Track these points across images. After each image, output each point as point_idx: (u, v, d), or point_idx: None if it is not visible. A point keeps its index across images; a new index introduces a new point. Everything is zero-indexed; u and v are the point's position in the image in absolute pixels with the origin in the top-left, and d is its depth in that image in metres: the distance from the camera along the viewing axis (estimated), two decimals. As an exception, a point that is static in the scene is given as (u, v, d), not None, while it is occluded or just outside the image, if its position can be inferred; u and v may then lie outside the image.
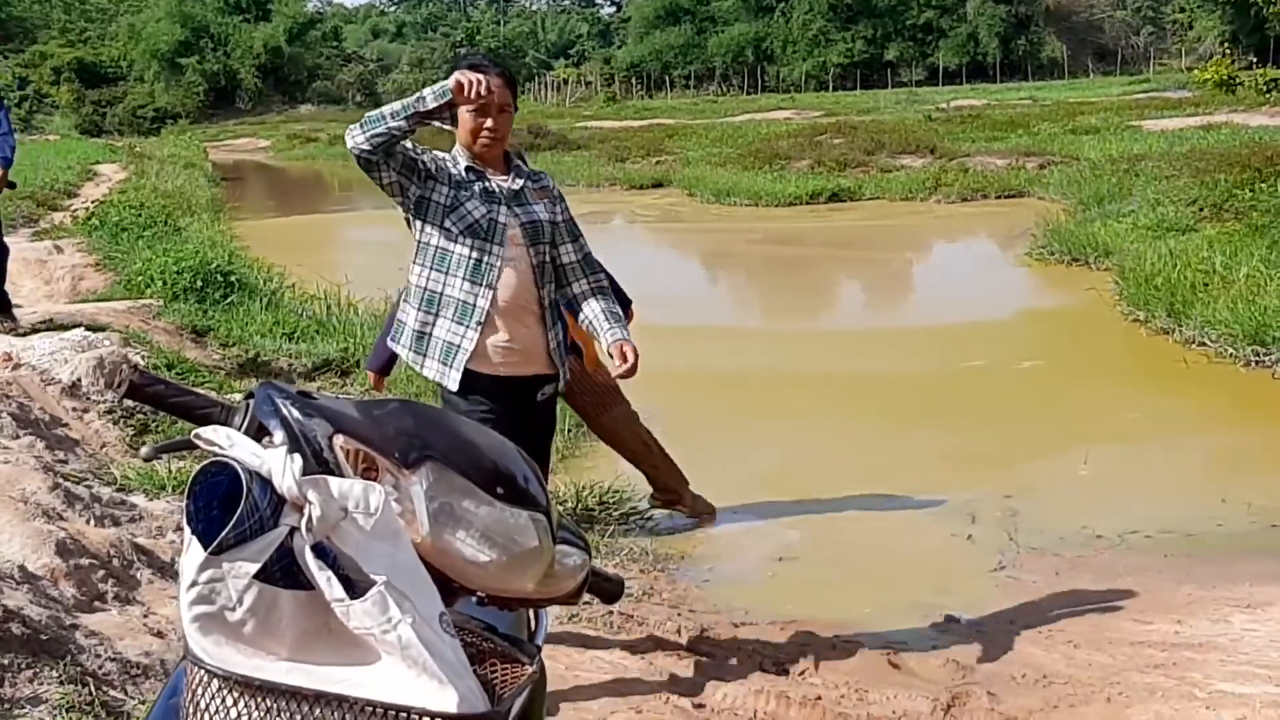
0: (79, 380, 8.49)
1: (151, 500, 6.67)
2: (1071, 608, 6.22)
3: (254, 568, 1.57)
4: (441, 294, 4.94)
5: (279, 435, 1.69)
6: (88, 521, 5.93)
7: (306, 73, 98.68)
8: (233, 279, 13.28)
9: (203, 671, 1.60)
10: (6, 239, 11.63)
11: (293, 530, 1.59)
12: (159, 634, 4.87)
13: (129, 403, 6.92)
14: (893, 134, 34.86)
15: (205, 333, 11.37)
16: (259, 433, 1.72)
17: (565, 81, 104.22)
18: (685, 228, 25.80)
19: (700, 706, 5.07)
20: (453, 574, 1.77)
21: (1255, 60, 58.65)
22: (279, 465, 1.61)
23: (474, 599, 1.85)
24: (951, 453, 9.13)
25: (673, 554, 7.20)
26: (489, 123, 4.92)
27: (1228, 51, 61.32)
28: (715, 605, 6.44)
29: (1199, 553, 7.03)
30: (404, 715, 1.58)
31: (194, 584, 1.57)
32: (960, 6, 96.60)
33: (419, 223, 5.00)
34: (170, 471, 6.95)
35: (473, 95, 4.65)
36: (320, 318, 12.62)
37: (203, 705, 1.60)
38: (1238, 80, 45.53)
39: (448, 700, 1.58)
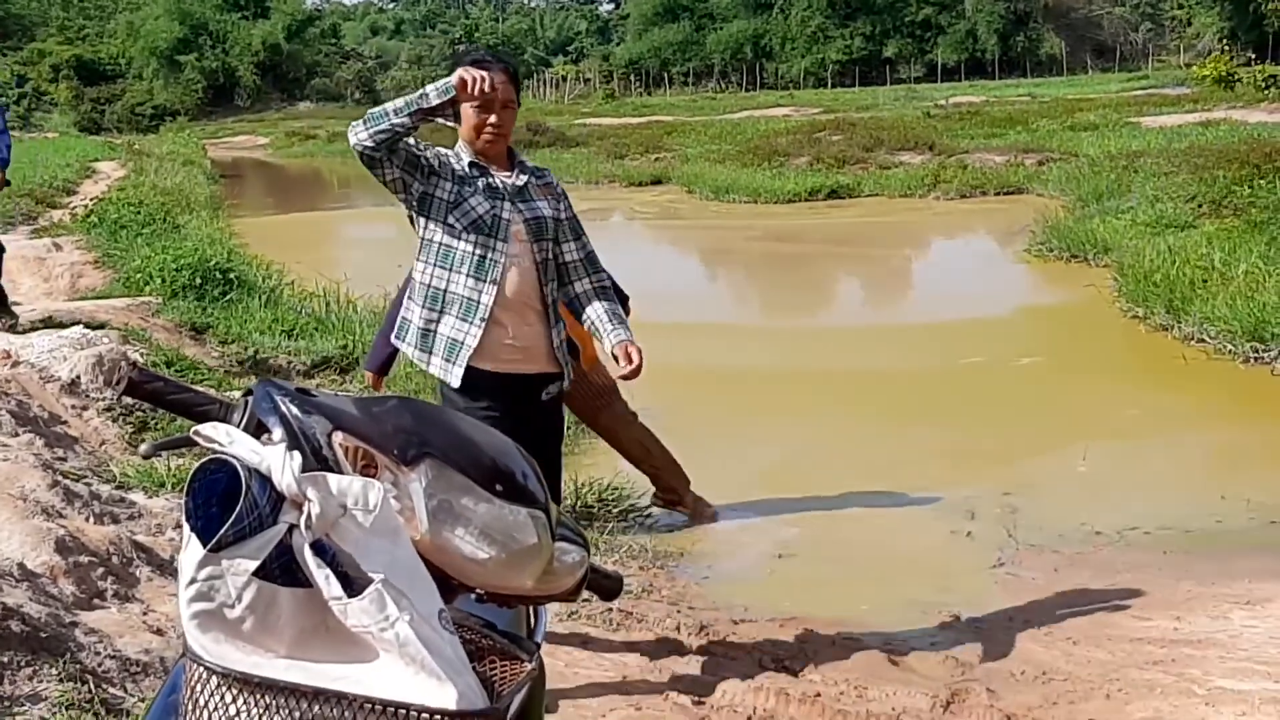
0: (78, 378, 8.49)
1: (151, 498, 6.67)
2: (1071, 604, 6.22)
3: (253, 565, 1.57)
4: (446, 291, 4.91)
5: (278, 432, 1.69)
6: (87, 519, 5.93)
7: (305, 70, 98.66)
8: (232, 276, 13.27)
9: (202, 668, 1.60)
10: (4, 237, 11.63)
11: (291, 527, 1.59)
12: (158, 631, 4.87)
13: (128, 400, 6.93)
14: (891, 131, 34.82)
15: (204, 330, 11.37)
16: (258, 430, 1.72)
17: (564, 79, 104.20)
18: (684, 225, 25.79)
19: (700, 703, 5.07)
20: (452, 571, 1.77)
21: (1254, 57, 58.49)
22: (278, 462, 1.61)
23: (473, 596, 1.85)
24: (950, 449, 9.13)
25: (672, 551, 7.21)
26: (492, 119, 4.89)
27: (1226, 48, 61.24)
28: (714, 602, 6.44)
29: (1198, 549, 7.03)
30: (403, 712, 1.58)
31: (193, 581, 1.57)
32: (959, 3, 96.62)
33: (422, 219, 4.97)
34: (169, 469, 6.94)
35: (476, 92, 4.62)
36: (319, 315, 12.61)
37: (202, 702, 1.60)
38: (1236, 77, 45.48)
39: (446, 697, 1.58)
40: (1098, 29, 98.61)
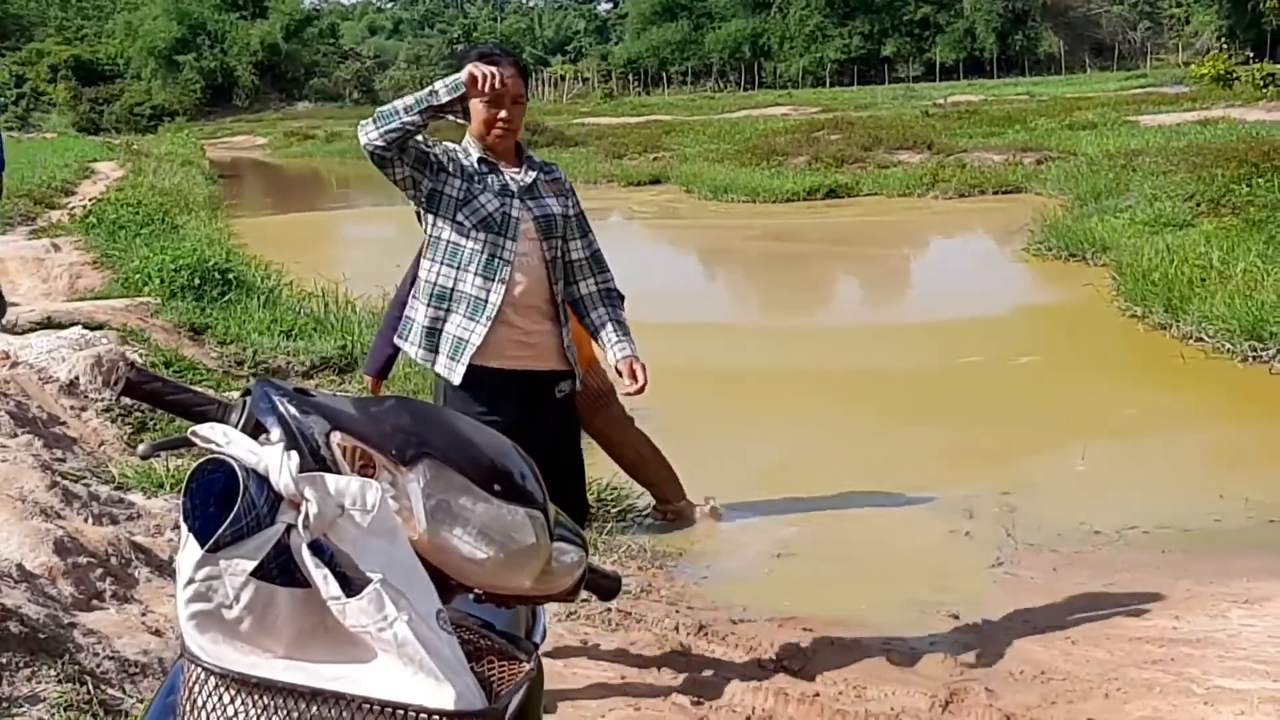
0: (77, 378, 8.49)
1: (149, 498, 6.66)
2: (1069, 604, 6.23)
3: (251, 565, 1.57)
4: (453, 289, 4.87)
5: (276, 432, 1.69)
6: (86, 520, 5.93)
7: (303, 70, 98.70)
8: (230, 277, 13.26)
9: (200, 669, 1.60)
10: (2, 238, 11.63)
11: (289, 528, 1.59)
12: (157, 632, 4.87)
13: (126, 401, 6.93)
14: (890, 130, 34.84)
15: (203, 331, 11.37)
16: (256, 430, 1.72)
17: (562, 78, 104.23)
18: (683, 224, 25.79)
19: (698, 703, 5.07)
20: (450, 571, 1.77)
21: (1252, 55, 58.50)
22: (276, 462, 1.61)
23: (471, 596, 1.85)
24: (949, 449, 9.13)
25: (670, 551, 7.20)
26: (502, 114, 4.86)
27: (1224, 46, 61.21)
28: (713, 602, 6.44)
29: (1196, 548, 7.03)
30: (401, 712, 1.58)
31: (191, 581, 1.57)
32: (957, 2, 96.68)
33: (430, 216, 4.92)
34: (168, 469, 6.94)
35: (486, 88, 4.59)
36: (318, 315, 12.61)
37: (200, 703, 1.60)
38: (1235, 75, 45.46)
39: (445, 697, 1.58)
40: (1096, 28, 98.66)
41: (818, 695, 5.16)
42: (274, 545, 1.58)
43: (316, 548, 1.59)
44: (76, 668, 4.18)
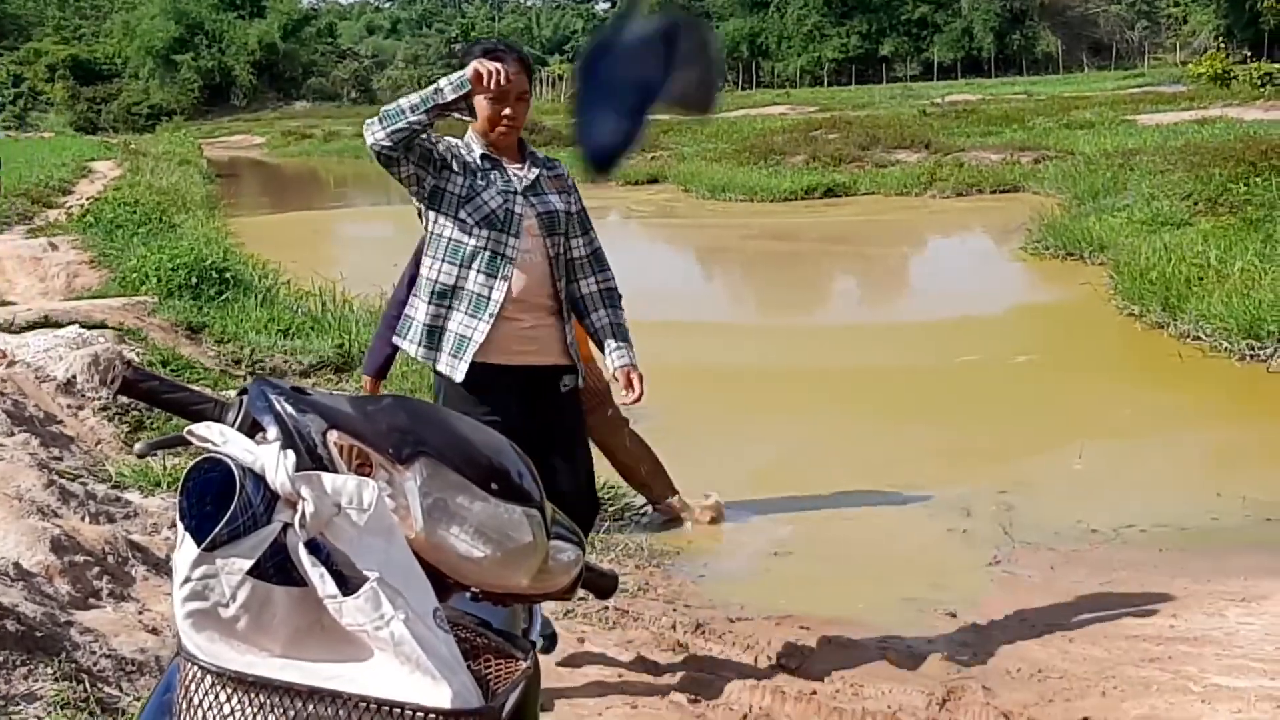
0: (74, 377, 8.48)
1: (146, 497, 6.66)
2: (1066, 602, 6.23)
3: (247, 564, 1.57)
4: (454, 287, 4.84)
5: (272, 431, 1.68)
6: (82, 518, 5.93)
7: (301, 69, 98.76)
8: (228, 276, 13.25)
9: (196, 668, 1.60)
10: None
11: (286, 526, 1.59)
12: (154, 631, 4.86)
13: (123, 399, 6.93)
14: (887, 129, 34.85)
15: (200, 329, 11.35)
16: (253, 429, 1.72)
17: (560, 77, 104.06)
18: (680, 223, 25.80)
19: (695, 701, 5.07)
20: (447, 570, 1.77)
21: (1249, 54, 58.71)
22: (272, 461, 1.61)
23: (468, 595, 1.85)
24: (946, 448, 9.14)
25: (668, 549, 7.20)
26: (507, 111, 4.82)
27: (1222, 46, 61.27)
28: (710, 600, 6.44)
29: (1194, 547, 7.04)
30: (398, 711, 1.58)
31: (187, 580, 1.57)
32: (955, 1, 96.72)
33: (432, 213, 4.88)
34: (165, 468, 6.94)
35: (491, 85, 4.53)
36: (315, 314, 12.60)
37: (196, 701, 1.60)
38: (1232, 74, 45.52)
39: (441, 696, 1.58)
40: (1094, 27, 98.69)
41: (815, 693, 5.16)
42: (270, 544, 1.58)
43: (313, 546, 1.59)
44: (73, 666, 4.18)
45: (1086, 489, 8.09)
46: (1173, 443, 9.23)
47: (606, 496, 7.71)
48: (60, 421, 7.94)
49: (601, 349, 5.12)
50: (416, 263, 5.69)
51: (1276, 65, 45.01)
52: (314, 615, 1.61)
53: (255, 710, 1.59)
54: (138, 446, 1.90)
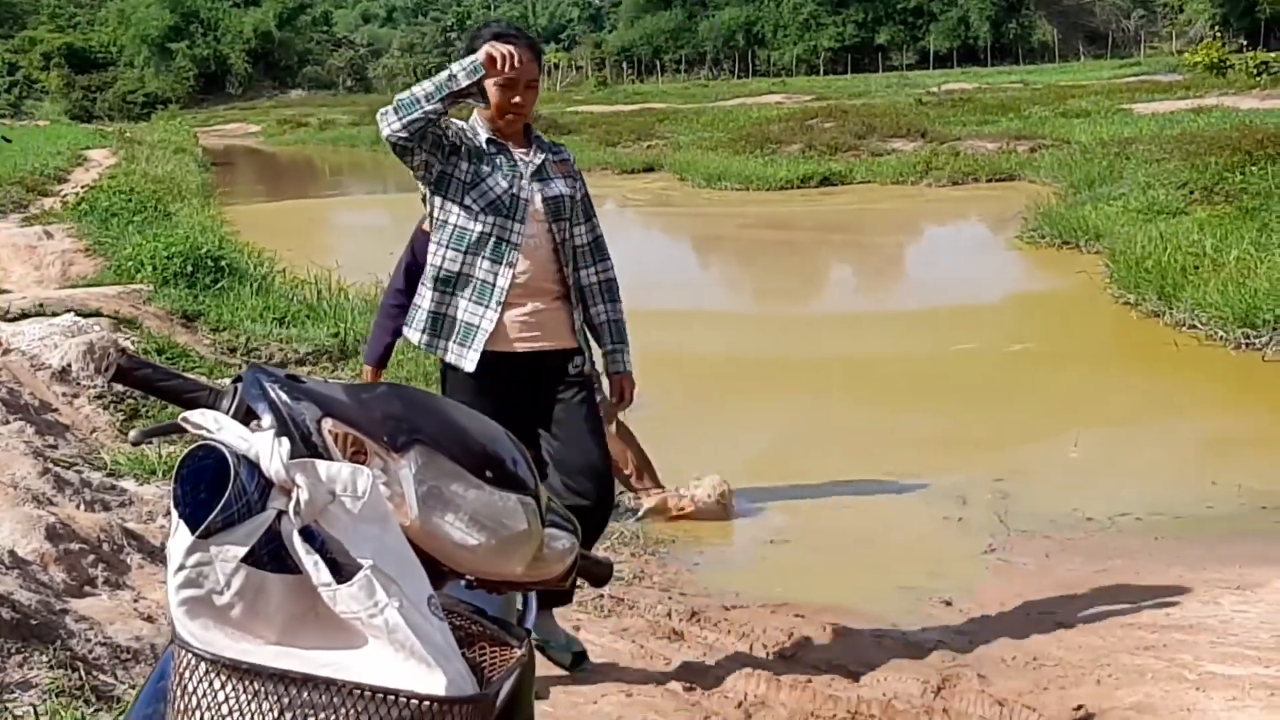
0: (69, 365, 8.48)
1: (142, 485, 6.66)
2: (1061, 590, 6.23)
3: (241, 551, 1.57)
4: (459, 274, 4.80)
5: (267, 419, 1.68)
6: (78, 506, 5.93)
7: (297, 58, 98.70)
8: (223, 264, 13.22)
9: (190, 655, 1.60)
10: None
11: (280, 514, 1.59)
12: (149, 618, 4.86)
13: (119, 387, 6.93)
14: (883, 118, 34.82)
15: (195, 318, 11.33)
16: (247, 416, 1.72)
17: (556, 66, 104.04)
18: (676, 212, 25.79)
19: (691, 689, 5.07)
20: (441, 557, 1.77)
21: (1245, 43, 58.71)
22: (266, 449, 1.61)
23: (463, 582, 1.85)
24: (942, 436, 9.14)
25: (663, 537, 7.20)
26: (516, 99, 4.77)
27: (1218, 34, 61.32)
28: (706, 588, 6.45)
29: (1189, 535, 7.05)
30: (392, 698, 1.58)
31: (181, 567, 1.57)
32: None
33: (438, 199, 4.82)
34: (160, 456, 6.94)
35: (506, 68, 4.49)
36: (311, 302, 12.59)
37: (190, 688, 1.60)
38: (1228, 63, 45.52)
39: (436, 683, 1.58)
40: (1090, 16, 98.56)
41: (810, 681, 5.16)
42: (265, 531, 1.58)
43: (307, 534, 1.59)
44: (68, 654, 4.18)
45: (1082, 477, 8.10)
46: (1168, 431, 9.24)
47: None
48: (55, 409, 7.93)
49: (598, 344, 5.10)
50: (413, 250, 5.68)
51: (1272, 54, 45.05)
52: (308, 603, 1.61)
53: (250, 697, 1.58)
54: (132, 434, 1.90)
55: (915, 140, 31.00)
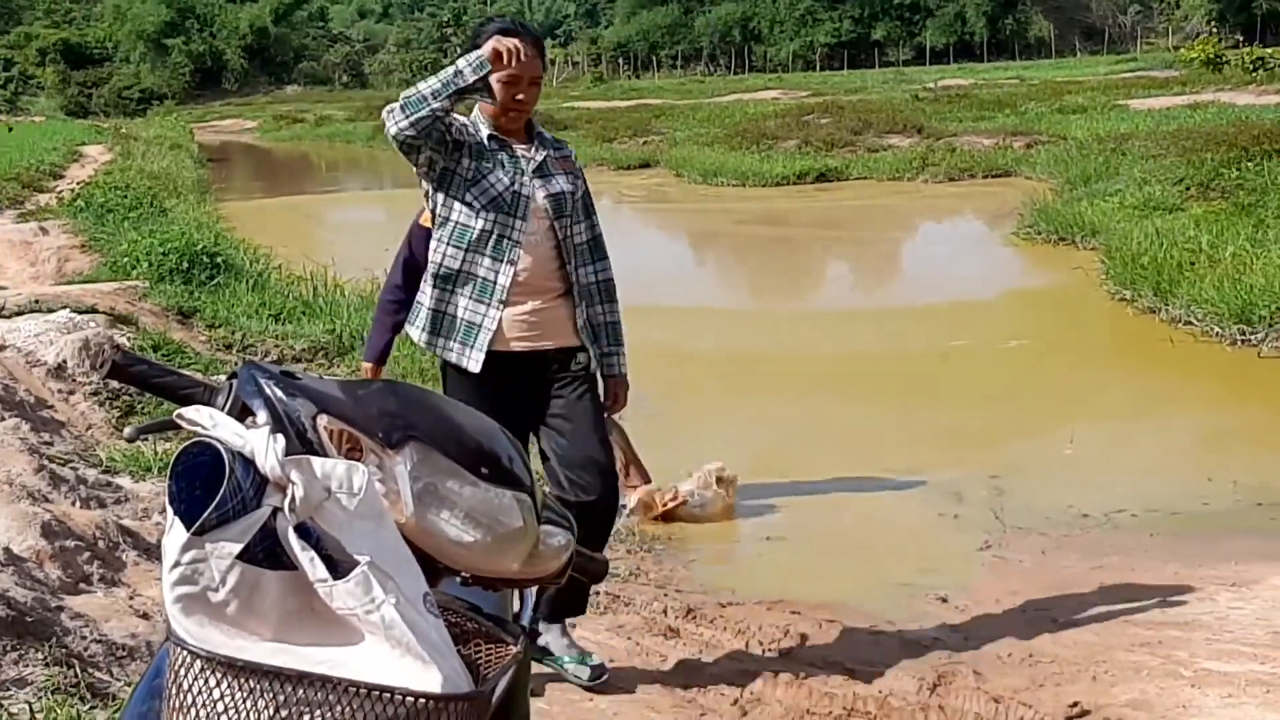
0: (64, 362, 8.47)
1: (137, 482, 6.66)
2: (1057, 587, 6.23)
3: (237, 548, 1.56)
4: (459, 271, 4.75)
5: (262, 415, 1.68)
6: (73, 503, 5.93)
7: (293, 53, 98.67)
8: (219, 260, 13.22)
9: (185, 652, 1.59)
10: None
11: (276, 511, 1.59)
12: (145, 616, 4.86)
13: (114, 384, 6.92)
14: (880, 114, 34.82)
15: (191, 314, 11.33)
16: (243, 413, 1.71)
17: (552, 62, 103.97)
18: (672, 208, 25.80)
19: (687, 686, 5.07)
20: (437, 554, 1.76)
21: (1242, 39, 58.60)
22: (261, 445, 1.61)
23: (458, 579, 1.84)
24: (938, 432, 9.15)
25: (659, 534, 7.20)
26: (520, 96, 4.72)
27: (1214, 30, 61.33)
28: (702, 585, 6.45)
29: (1185, 531, 7.05)
30: (388, 695, 1.57)
31: (177, 564, 1.57)
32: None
33: (440, 195, 4.77)
34: (156, 453, 6.93)
35: (511, 62, 4.45)
36: (306, 299, 12.58)
37: (185, 686, 1.60)
38: (1224, 59, 45.50)
39: (431, 680, 1.58)
40: (1086, 11, 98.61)
41: (806, 678, 5.16)
42: (260, 528, 1.58)
43: (303, 531, 1.59)
44: (64, 651, 4.18)
45: (1078, 474, 8.10)
46: (1164, 427, 9.25)
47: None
48: (51, 406, 7.93)
49: (594, 344, 5.06)
50: (410, 245, 5.67)
51: (1269, 50, 44.99)
52: (304, 599, 1.61)
53: (245, 695, 1.58)
54: (127, 431, 1.90)
55: (911, 136, 30.99)
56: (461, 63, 4.48)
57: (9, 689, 3.89)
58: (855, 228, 22.00)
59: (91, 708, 3.92)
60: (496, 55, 4.44)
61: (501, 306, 4.73)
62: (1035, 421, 9.38)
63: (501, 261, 4.73)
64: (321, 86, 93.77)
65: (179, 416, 1.68)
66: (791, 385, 10.77)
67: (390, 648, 1.58)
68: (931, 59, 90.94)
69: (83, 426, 7.84)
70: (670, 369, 10.36)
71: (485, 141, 4.77)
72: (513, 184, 4.74)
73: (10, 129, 20.63)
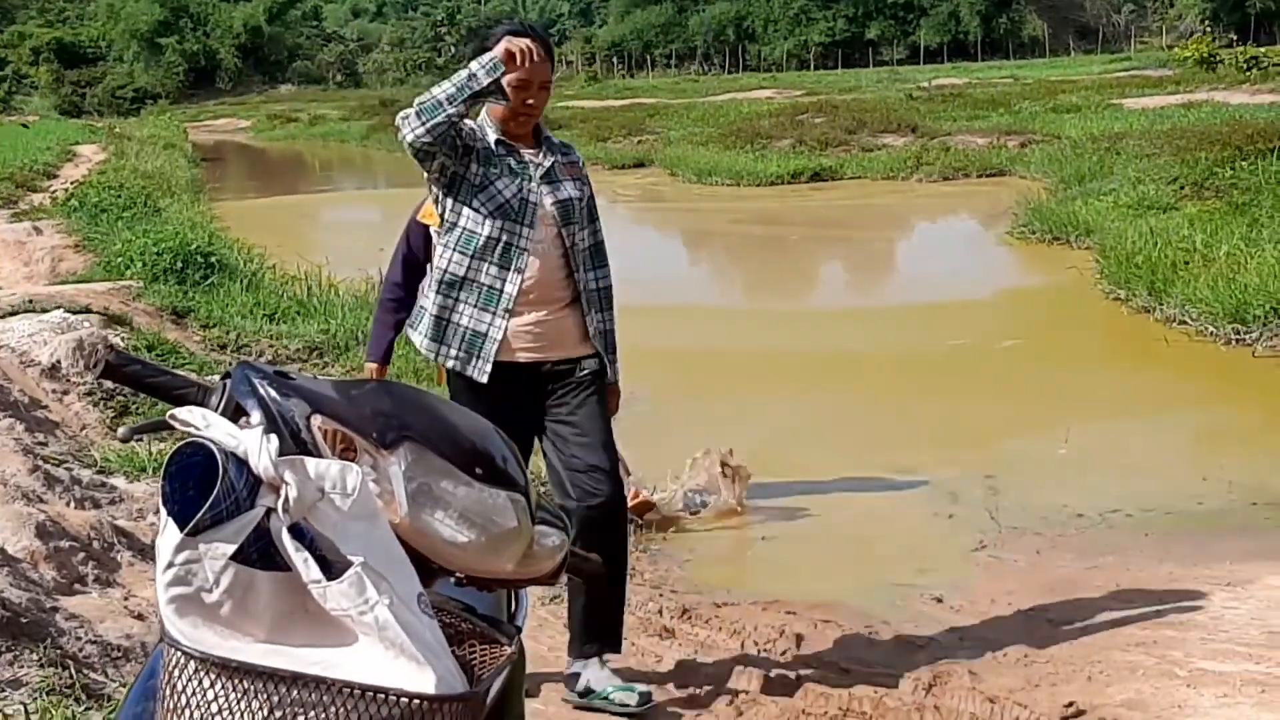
0: (58, 362, 8.46)
1: (132, 482, 6.65)
2: (1052, 587, 6.23)
3: (230, 549, 1.56)
4: (464, 278, 4.69)
5: (256, 415, 1.68)
6: (68, 504, 5.92)
7: (286, 52, 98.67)
8: (213, 260, 13.20)
9: (179, 653, 1.59)
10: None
11: (269, 511, 1.58)
12: (139, 616, 4.86)
13: (109, 384, 6.92)
14: (874, 113, 34.80)
15: (185, 314, 11.32)
16: (236, 413, 1.71)
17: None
18: (667, 207, 25.81)
19: (683, 687, 5.08)
20: (431, 555, 1.76)
21: (1235, 38, 58.68)
22: (255, 445, 1.60)
23: (453, 580, 1.84)
24: (932, 432, 9.15)
25: (654, 535, 7.20)
26: (530, 100, 4.66)
27: (1208, 29, 61.33)
28: (697, 586, 6.45)
29: (1179, 531, 7.05)
30: (381, 696, 1.57)
31: (170, 565, 1.56)
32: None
33: (449, 200, 4.70)
34: (151, 453, 6.92)
35: (525, 62, 4.40)
36: (301, 299, 12.58)
37: (179, 687, 1.59)
38: (1218, 58, 45.50)
39: (425, 681, 1.57)
40: (1080, 11, 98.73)
41: (801, 678, 5.17)
42: (254, 529, 1.57)
43: (296, 531, 1.59)
44: (59, 652, 4.17)
45: (1072, 473, 8.10)
46: (1158, 427, 9.25)
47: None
48: (45, 406, 7.91)
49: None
50: (408, 241, 5.64)
51: (1262, 49, 45.04)
52: (298, 600, 1.60)
53: (239, 696, 1.58)
54: (120, 431, 1.89)
55: (906, 135, 30.99)
56: (474, 65, 4.43)
57: (4, 690, 3.89)
58: (849, 227, 22.01)
59: (86, 709, 3.91)
60: (509, 56, 4.39)
61: (507, 316, 4.67)
62: (1030, 421, 9.38)
63: (509, 270, 4.67)
64: (315, 86, 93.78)
65: (172, 417, 1.67)
66: (785, 385, 10.77)
67: (384, 649, 1.58)
68: (926, 58, 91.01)
69: (77, 427, 7.83)
70: (663, 368, 10.36)
71: (493, 146, 4.71)
72: (520, 191, 4.68)
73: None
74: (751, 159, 28.69)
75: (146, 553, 5.55)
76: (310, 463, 1.60)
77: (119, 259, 13.29)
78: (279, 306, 11.95)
